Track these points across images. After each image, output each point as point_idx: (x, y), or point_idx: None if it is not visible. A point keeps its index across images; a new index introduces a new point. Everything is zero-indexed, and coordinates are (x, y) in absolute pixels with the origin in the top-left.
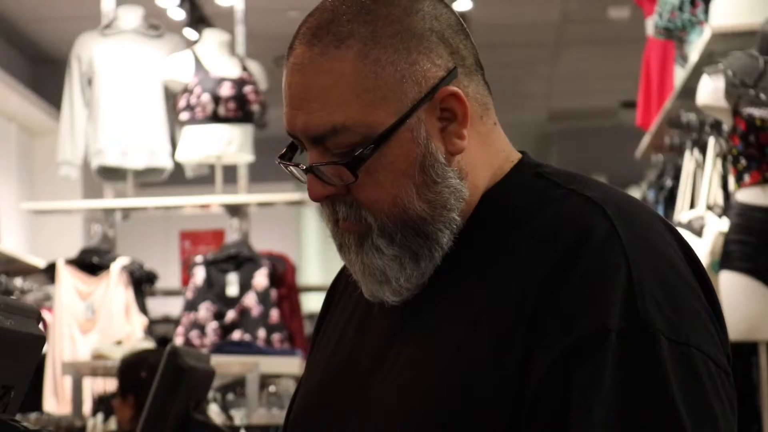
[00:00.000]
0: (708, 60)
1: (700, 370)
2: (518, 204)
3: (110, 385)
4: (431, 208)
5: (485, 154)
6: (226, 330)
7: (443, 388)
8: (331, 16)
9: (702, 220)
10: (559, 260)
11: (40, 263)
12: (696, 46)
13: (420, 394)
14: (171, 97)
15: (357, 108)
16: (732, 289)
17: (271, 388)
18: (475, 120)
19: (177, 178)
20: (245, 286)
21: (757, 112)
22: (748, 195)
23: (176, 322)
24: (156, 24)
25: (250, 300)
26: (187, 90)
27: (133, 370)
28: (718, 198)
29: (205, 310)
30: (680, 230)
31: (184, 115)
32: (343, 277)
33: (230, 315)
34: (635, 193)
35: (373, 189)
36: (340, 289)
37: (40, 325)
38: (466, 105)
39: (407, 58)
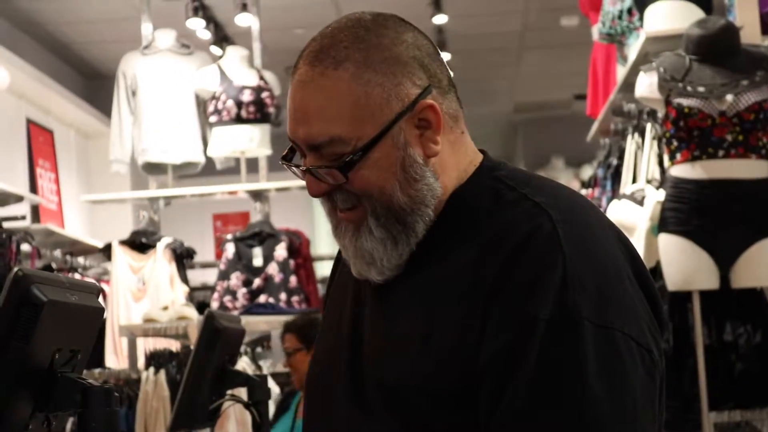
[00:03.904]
0: (644, 59)
1: (621, 348)
2: (478, 205)
3: (159, 343)
4: (412, 202)
5: (454, 159)
6: (253, 294)
7: (409, 364)
8: (331, 42)
9: (643, 192)
10: (507, 258)
11: (98, 244)
12: (634, 48)
13: (391, 366)
14: (201, 104)
15: (349, 122)
16: (669, 248)
17: None
18: (446, 129)
19: (209, 170)
20: (268, 257)
21: (685, 101)
22: (679, 170)
23: (212, 289)
24: (187, 43)
25: (273, 269)
26: (214, 97)
27: (313, 327)
28: (656, 173)
29: (235, 278)
30: (625, 201)
31: (212, 118)
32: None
33: (256, 282)
34: (587, 171)
35: (361, 182)
36: (340, 266)
37: (100, 298)
38: (440, 115)
39: (393, 80)
